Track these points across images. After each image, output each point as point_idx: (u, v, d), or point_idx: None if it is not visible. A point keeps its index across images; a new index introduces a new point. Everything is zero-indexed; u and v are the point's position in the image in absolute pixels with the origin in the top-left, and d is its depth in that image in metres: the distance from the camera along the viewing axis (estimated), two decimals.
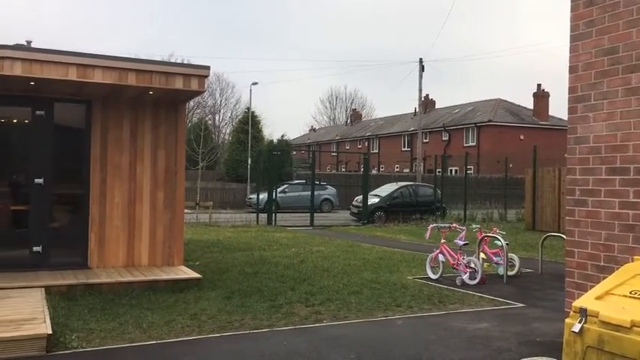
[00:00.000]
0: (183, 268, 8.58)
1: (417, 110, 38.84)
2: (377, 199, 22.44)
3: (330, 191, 30.12)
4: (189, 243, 12.18)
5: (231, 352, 5.30)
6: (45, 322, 5.39)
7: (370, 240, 15.18)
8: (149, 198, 8.66)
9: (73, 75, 7.17)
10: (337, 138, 61.38)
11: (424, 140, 41.06)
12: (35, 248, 8.01)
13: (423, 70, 32.94)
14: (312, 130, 74.90)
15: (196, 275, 8.06)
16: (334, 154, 58.45)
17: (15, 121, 8.67)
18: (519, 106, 46.92)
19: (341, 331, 6.08)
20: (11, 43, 7.82)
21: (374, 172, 44.66)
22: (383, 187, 24.79)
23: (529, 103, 46.00)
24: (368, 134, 56.29)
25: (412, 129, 46.62)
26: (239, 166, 37.65)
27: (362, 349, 5.39)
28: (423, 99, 35.67)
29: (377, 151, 53.61)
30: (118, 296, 7.13)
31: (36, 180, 8.03)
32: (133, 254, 8.55)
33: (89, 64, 7.26)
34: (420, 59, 32.95)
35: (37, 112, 8.02)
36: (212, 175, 36.75)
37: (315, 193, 22.08)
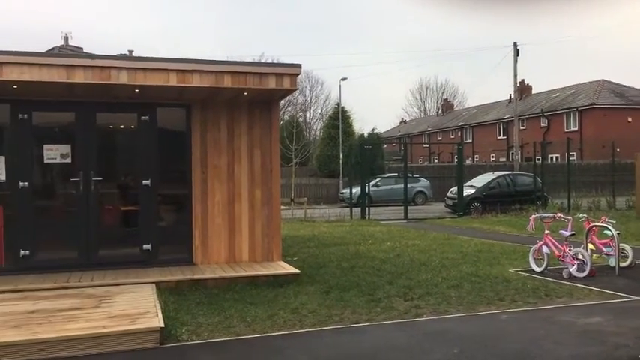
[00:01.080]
0: (282, 263, 8.78)
1: (513, 96, 37.35)
2: (473, 190, 21.83)
3: (423, 183, 29.67)
4: (286, 239, 12.44)
5: (333, 345, 5.36)
6: (157, 315, 5.70)
7: (467, 232, 14.80)
8: (247, 196, 8.92)
9: (173, 80, 7.52)
10: (429, 129, 60.34)
11: (521, 127, 39.41)
12: (145, 246, 8.48)
13: (517, 55, 31.62)
14: (403, 122, 74.10)
15: (295, 270, 8.21)
16: (426, 145, 57.52)
17: (122, 126, 9.22)
18: (625, 86, 43.78)
19: (442, 325, 5.97)
20: (115, 54, 8.33)
21: (468, 162, 43.48)
22: (479, 177, 24.07)
23: (636, 83, 42.91)
24: (461, 124, 54.88)
25: (508, 116, 44.92)
26: (331, 161, 37.94)
27: (465, 344, 5.27)
28: (518, 84, 34.23)
29: (470, 140, 52.14)
30: (222, 291, 7.40)
31: (143, 182, 8.50)
32: (234, 250, 8.85)
33: (188, 69, 7.59)
34: (515, 43, 31.67)
35: (142, 117, 8.49)
36: (305, 172, 37.31)
37: (408, 185, 21.82)
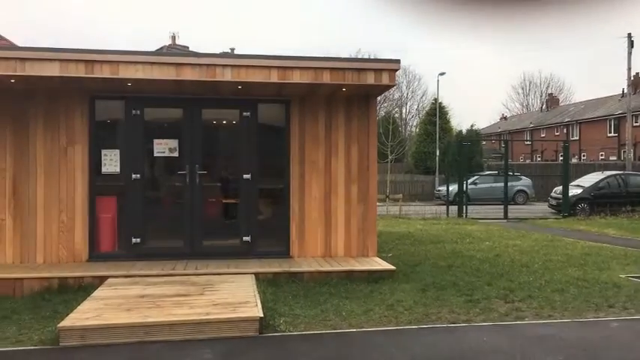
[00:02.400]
0: (377, 259, 8.75)
1: (626, 91, 34.93)
2: (579, 190, 20.67)
3: (524, 182, 28.50)
4: (381, 235, 12.39)
5: (430, 344, 5.28)
6: (257, 305, 5.88)
7: (572, 234, 14.05)
8: (344, 191, 8.97)
9: (274, 77, 7.70)
10: (531, 125, 57.78)
11: (634, 124, 36.79)
12: (245, 238, 8.77)
13: (632, 47, 29.52)
14: (503, 118, 71.46)
15: (390, 267, 8.16)
16: (528, 142, 55.14)
17: (224, 122, 9.56)
18: None
19: (545, 330, 5.71)
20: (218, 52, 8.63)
21: (574, 160, 41.25)
22: (586, 176, 22.76)
23: None
24: (567, 120, 52.08)
25: (619, 112, 42.08)
26: (427, 158, 37.33)
27: (571, 351, 5.01)
28: (632, 78, 31.97)
29: (577, 137, 49.39)
30: (318, 284, 7.50)
31: (244, 176, 8.78)
32: (329, 245, 8.94)
33: (288, 65, 7.74)
34: (629, 34, 29.60)
35: (244, 113, 8.76)
36: (400, 168, 36.95)
37: (509, 184, 21.02)
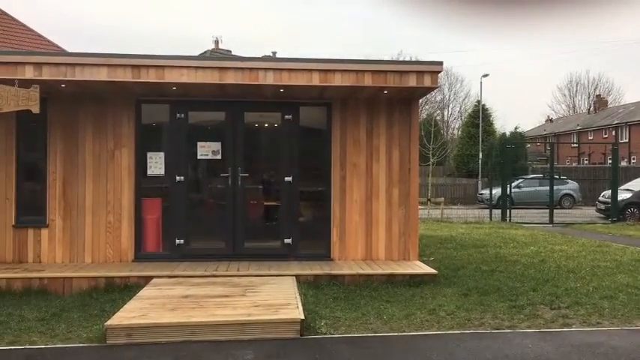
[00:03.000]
0: (419, 263, 8.68)
1: None
2: (629, 194, 20.01)
3: (570, 186, 27.78)
4: (422, 238, 12.28)
5: (472, 350, 5.20)
6: (298, 307, 5.90)
7: (622, 240, 13.61)
8: (385, 195, 8.93)
9: (316, 80, 7.74)
10: (578, 128, 56.30)
11: None
12: (286, 240, 8.82)
13: None
14: (549, 120, 69.82)
15: (432, 271, 8.08)
16: (575, 145, 53.77)
17: (266, 125, 9.65)
18: None
19: (594, 338, 5.55)
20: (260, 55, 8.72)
21: (623, 163, 39.98)
22: (635, 180, 22.03)
23: None
24: (616, 122, 50.53)
25: None
26: (469, 161, 36.83)
27: None
28: None
29: (626, 140, 47.86)
30: (359, 287, 7.48)
31: (285, 178, 8.84)
32: (370, 248, 8.91)
33: (330, 68, 7.76)
34: None
35: (286, 116, 8.83)
36: (442, 171, 36.57)
37: (554, 187, 20.51)
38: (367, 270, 8.04)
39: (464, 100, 57.39)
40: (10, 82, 7.31)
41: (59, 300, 6.93)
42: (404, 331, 5.73)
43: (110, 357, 4.98)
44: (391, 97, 8.71)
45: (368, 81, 7.83)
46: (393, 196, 8.93)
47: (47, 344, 5.32)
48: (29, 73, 7.38)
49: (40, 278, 7.43)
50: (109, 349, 5.20)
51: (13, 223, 8.41)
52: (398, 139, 8.95)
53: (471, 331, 5.73)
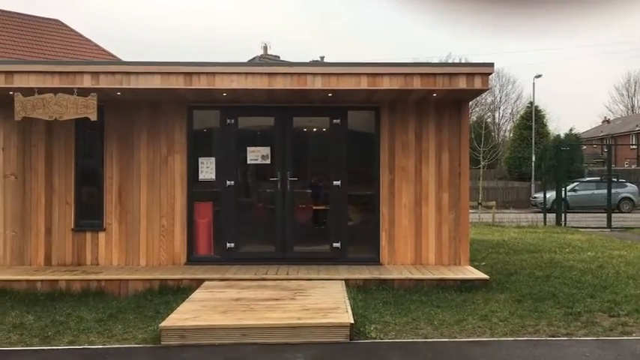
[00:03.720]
0: (470, 268, 8.53)
1: None
2: None
3: (630, 189, 26.78)
4: (473, 243, 12.05)
5: (527, 357, 5.07)
6: (347, 311, 5.90)
7: None
8: (434, 199, 8.83)
9: (364, 84, 7.74)
10: (637, 129, 54.17)
11: None
12: (335, 244, 8.83)
13: None
14: (606, 121, 67.43)
15: (484, 276, 7.92)
16: (634, 146, 51.73)
17: (315, 129, 9.70)
18: None
19: None
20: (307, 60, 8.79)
21: None
22: None
23: None
24: None
25: None
26: (522, 163, 35.97)
27: None
28: None
29: None
30: (409, 292, 7.41)
31: (334, 182, 8.86)
32: (420, 253, 8.82)
33: (378, 72, 7.75)
34: None
35: (334, 120, 8.85)
36: (493, 174, 35.84)
37: (613, 191, 19.81)
38: (417, 274, 7.96)
39: (515, 101, 56.04)
40: (69, 91, 7.61)
41: (116, 301, 7.14)
42: (455, 337, 5.64)
43: (165, 358, 5.09)
44: (440, 99, 8.62)
45: (417, 84, 7.77)
46: (442, 200, 8.82)
47: (105, 344, 5.49)
48: (87, 82, 7.66)
49: (98, 280, 7.68)
50: (164, 349, 5.32)
51: (73, 226, 8.73)
52: (448, 142, 8.83)
53: (526, 339, 5.59)
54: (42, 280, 7.64)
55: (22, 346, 5.46)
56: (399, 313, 6.44)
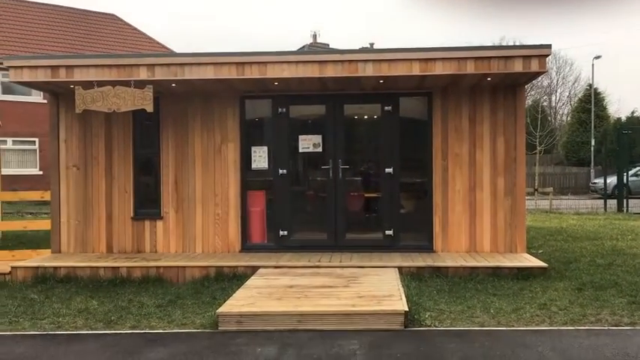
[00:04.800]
0: (527, 255, 8.34)
1: None
2: None
3: None
4: (530, 230, 11.78)
5: (589, 347, 4.93)
6: (401, 299, 5.88)
7: None
8: (489, 185, 8.66)
9: (416, 70, 7.64)
10: None
11: None
12: (387, 232, 8.79)
13: None
14: None
15: (541, 264, 7.73)
16: None
17: (366, 117, 9.65)
18: None
19: None
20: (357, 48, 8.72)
21: None
22: None
23: None
24: None
25: None
26: (580, 148, 34.80)
27: None
28: None
29: None
30: (463, 280, 7.32)
31: (386, 170, 8.81)
32: (474, 240, 8.68)
33: (430, 57, 7.63)
34: None
35: (386, 107, 8.78)
36: (550, 160, 34.82)
37: None
38: (472, 262, 7.84)
39: (573, 84, 54.03)
40: (126, 84, 7.83)
41: (174, 287, 7.35)
42: (513, 326, 5.54)
43: (223, 343, 5.21)
44: (495, 83, 8.42)
45: (470, 68, 7.61)
46: (497, 186, 8.64)
47: (165, 329, 5.66)
48: (143, 74, 7.85)
49: (157, 267, 7.91)
50: (221, 335, 5.44)
51: (132, 215, 9.01)
52: (503, 127, 8.63)
53: (587, 328, 5.44)
54: (104, 267, 7.93)
55: (88, 330, 5.70)
56: (454, 301, 6.37)
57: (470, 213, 8.68)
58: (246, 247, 8.92)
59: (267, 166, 9.01)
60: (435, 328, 5.49)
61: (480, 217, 8.67)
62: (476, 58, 7.60)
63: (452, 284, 7.13)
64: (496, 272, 7.55)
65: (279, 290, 6.44)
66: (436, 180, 8.74)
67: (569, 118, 42.71)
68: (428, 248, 8.72)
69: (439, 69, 7.63)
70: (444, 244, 8.71)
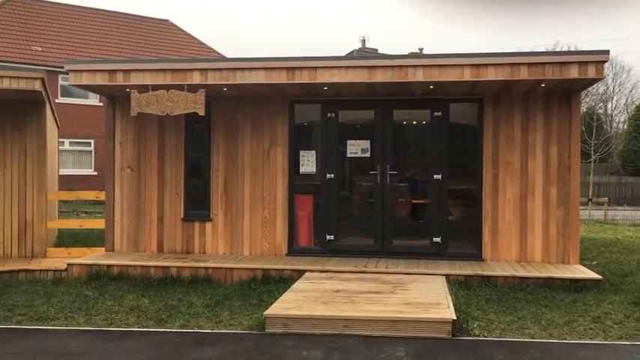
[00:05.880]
0: (580, 267, 8.10)
1: None
2: None
3: None
4: (583, 241, 11.41)
5: None
6: (449, 307, 5.80)
7: None
8: (541, 194, 8.46)
9: (467, 75, 7.54)
10: None
11: None
12: (435, 239, 8.69)
13: None
14: None
15: (596, 276, 7.49)
16: None
17: (414, 122, 9.58)
18: None
19: None
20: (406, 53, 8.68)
21: None
22: None
23: None
24: None
25: None
26: (637, 157, 33.56)
27: None
28: None
29: None
30: (513, 290, 7.16)
31: (434, 176, 8.71)
32: (525, 249, 8.48)
33: (482, 63, 7.51)
34: None
35: (435, 113, 8.69)
36: (605, 169, 33.70)
37: None
38: (522, 272, 7.67)
39: (631, 91, 52.21)
40: (179, 88, 8.02)
41: (222, 288, 7.47)
42: (565, 339, 5.39)
43: (269, 344, 5.26)
44: (549, 90, 8.22)
45: (524, 74, 7.46)
46: (550, 196, 8.42)
47: (213, 329, 5.76)
48: (196, 79, 8.03)
49: (206, 268, 8.06)
50: (268, 337, 5.50)
51: (182, 216, 9.20)
52: (556, 134, 8.42)
53: None
54: (155, 266, 8.12)
55: (139, 328, 5.85)
56: (504, 312, 6.25)
57: (521, 222, 8.49)
58: (293, 250, 8.98)
59: (314, 170, 9.05)
60: (483, 338, 5.39)
61: (531, 226, 8.47)
62: (529, 64, 7.45)
63: (501, 294, 6.99)
64: (548, 283, 7.36)
65: (325, 294, 6.46)
66: (486, 187, 8.59)
67: (625, 126, 41.26)
68: (476, 257, 8.57)
69: (491, 75, 7.51)
70: (493, 252, 8.54)
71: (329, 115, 8.93)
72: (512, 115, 8.52)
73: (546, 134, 8.45)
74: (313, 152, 9.07)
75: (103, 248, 9.32)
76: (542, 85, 7.89)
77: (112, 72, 8.23)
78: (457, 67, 7.57)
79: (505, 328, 5.68)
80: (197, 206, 9.23)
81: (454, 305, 5.97)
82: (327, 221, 8.96)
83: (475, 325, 5.69)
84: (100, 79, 8.28)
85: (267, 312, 5.74)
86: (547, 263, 8.33)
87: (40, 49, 25.02)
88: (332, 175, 8.93)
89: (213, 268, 8.05)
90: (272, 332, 5.58)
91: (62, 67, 8.99)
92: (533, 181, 8.49)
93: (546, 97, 8.42)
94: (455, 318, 5.49)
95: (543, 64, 7.43)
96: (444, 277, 7.42)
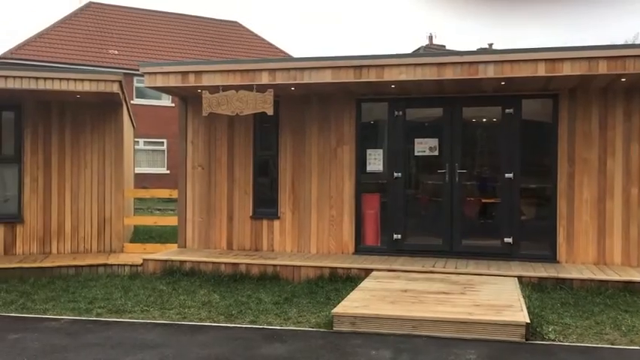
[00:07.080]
0: None
1: None
2: None
3: None
4: None
5: None
6: (522, 310, 5.62)
7: None
8: (621, 193, 8.07)
9: (541, 71, 7.28)
10: None
11: None
12: (506, 239, 8.44)
13: None
14: None
15: None
16: None
17: (484, 120, 9.35)
18: None
19: None
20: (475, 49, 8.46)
21: None
22: None
23: None
24: None
25: None
26: None
27: None
28: None
29: None
30: (590, 294, 6.87)
31: (506, 175, 8.47)
32: (603, 251, 8.12)
33: (557, 57, 7.24)
34: None
35: (507, 110, 8.45)
36: None
37: None
38: (600, 275, 7.34)
39: None
40: (249, 88, 8.17)
41: (290, 286, 7.56)
42: None
43: (337, 343, 5.27)
44: (630, 84, 7.82)
45: (602, 68, 7.13)
46: (631, 196, 8.02)
47: (282, 326, 5.84)
48: (265, 79, 8.15)
49: (274, 265, 8.18)
50: (336, 335, 5.51)
51: (251, 214, 9.38)
52: (637, 131, 8.00)
53: None
54: (225, 263, 8.32)
55: (210, 322, 6.00)
56: (580, 316, 6.00)
57: (598, 223, 8.14)
58: (360, 249, 8.97)
59: (381, 168, 9.00)
60: (559, 343, 5.19)
61: (609, 227, 8.10)
62: (608, 58, 7.11)
63: (577, 298, 6.72)
64: (628, 287, 7.01)
65: (392, 294, 6.41)
66: (561, 187, 8.28)
67: None
68: (550, 258, 8.28)
69: (567, 70, 7.22)
70: (569, 254, 8.22)
71: (396, 113, 8.85)
72: (590, 110, 8.17)
73: (627, 131, 8.05)
74: (380, 150, 9.02)
75: (176, 244, 9.63)
76: (623, 79, 7.51)
77: (185, 73, 8.48)
78: (530, 62, 7.33)
79: (582, 333, 5.45)
80: (265, 204, 9.38)
81: (527, 308, 5.79)
82: (394, 220, 8.89)
83: (550, 330, 5.49)
84: (173, 81, 8.55)
85: (335, 310, 5.75)
86: (627, 266, 7.95)
87: (116, 52, 26.14)
88: (399, 174, 8.85)
89: (281, 265, 8.16)
90: (339, 330, 5.59)
91: (137, 70, 9.37)
92: (612, 180, 8.11)
93: (627, 92, 8.02)
94: (529, 321, 5.31)
95: (624, 57, 7.08)
96: (515, 278, 7.21)
